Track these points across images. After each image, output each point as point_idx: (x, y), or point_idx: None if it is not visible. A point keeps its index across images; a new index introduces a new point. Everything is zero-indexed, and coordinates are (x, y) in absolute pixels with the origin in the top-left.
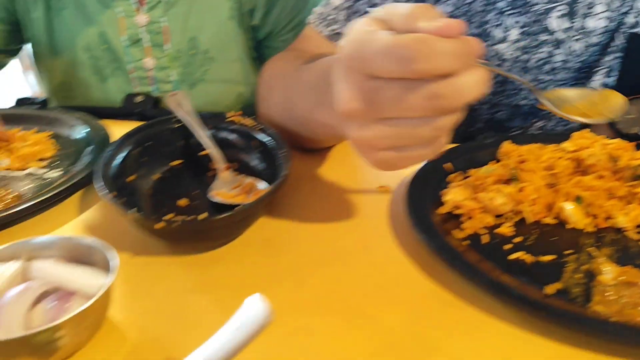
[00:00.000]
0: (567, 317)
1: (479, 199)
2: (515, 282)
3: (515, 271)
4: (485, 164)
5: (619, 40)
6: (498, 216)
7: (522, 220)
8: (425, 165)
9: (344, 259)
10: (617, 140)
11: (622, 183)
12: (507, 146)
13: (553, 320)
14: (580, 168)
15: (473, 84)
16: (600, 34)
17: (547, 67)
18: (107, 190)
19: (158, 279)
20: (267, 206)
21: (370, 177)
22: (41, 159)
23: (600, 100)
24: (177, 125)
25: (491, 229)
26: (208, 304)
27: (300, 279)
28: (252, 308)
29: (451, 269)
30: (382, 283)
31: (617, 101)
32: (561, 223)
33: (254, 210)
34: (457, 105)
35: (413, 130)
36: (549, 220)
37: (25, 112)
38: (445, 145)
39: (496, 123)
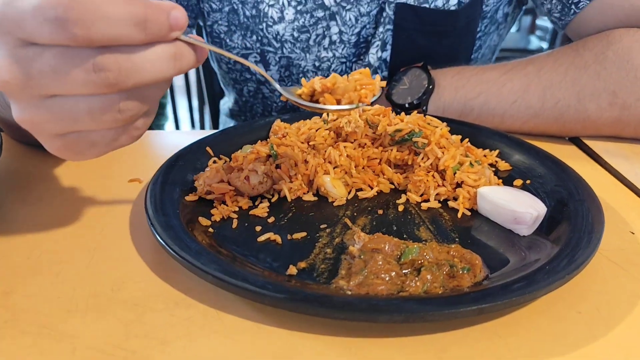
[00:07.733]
0: (302, 296)
1: (231, 180)
2: (256, 269)
3: (264, 255)
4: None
5: (390, 11)
6: (255, 198)
7: (284, 199)
8: (182, 150)
9: (75, 259)
10: (376, 107)
11: (381, 150)
12: (278, 124)
13: (287, 303)
14: (341, 138)
15: (153, 59)
16: (368, 2)
17: (325, 41)
18: None
19: None
20: None
21: (124, 168)
22: None
23: (353, 85)
24: None
25: (247, 211)
26: None
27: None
28: None
29: (177, 261)
30: (108, 283)
31: (373, 84)
32: (324, 199)
33: None
34: (130, 83)
35: (88, 113)
36: (310, 197)
37: None
38: (144, 130)
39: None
